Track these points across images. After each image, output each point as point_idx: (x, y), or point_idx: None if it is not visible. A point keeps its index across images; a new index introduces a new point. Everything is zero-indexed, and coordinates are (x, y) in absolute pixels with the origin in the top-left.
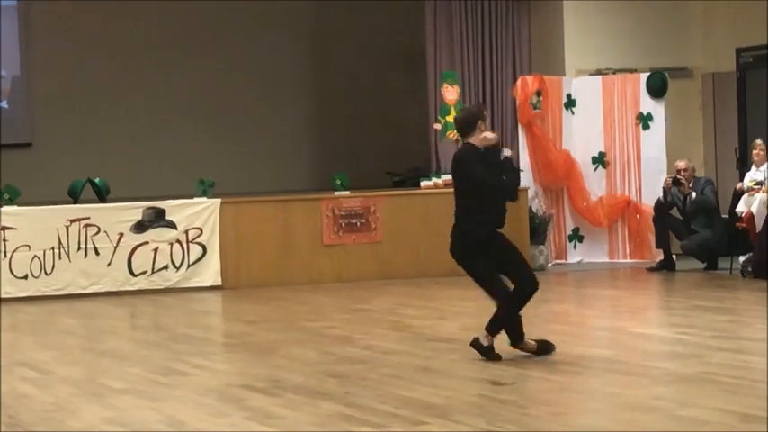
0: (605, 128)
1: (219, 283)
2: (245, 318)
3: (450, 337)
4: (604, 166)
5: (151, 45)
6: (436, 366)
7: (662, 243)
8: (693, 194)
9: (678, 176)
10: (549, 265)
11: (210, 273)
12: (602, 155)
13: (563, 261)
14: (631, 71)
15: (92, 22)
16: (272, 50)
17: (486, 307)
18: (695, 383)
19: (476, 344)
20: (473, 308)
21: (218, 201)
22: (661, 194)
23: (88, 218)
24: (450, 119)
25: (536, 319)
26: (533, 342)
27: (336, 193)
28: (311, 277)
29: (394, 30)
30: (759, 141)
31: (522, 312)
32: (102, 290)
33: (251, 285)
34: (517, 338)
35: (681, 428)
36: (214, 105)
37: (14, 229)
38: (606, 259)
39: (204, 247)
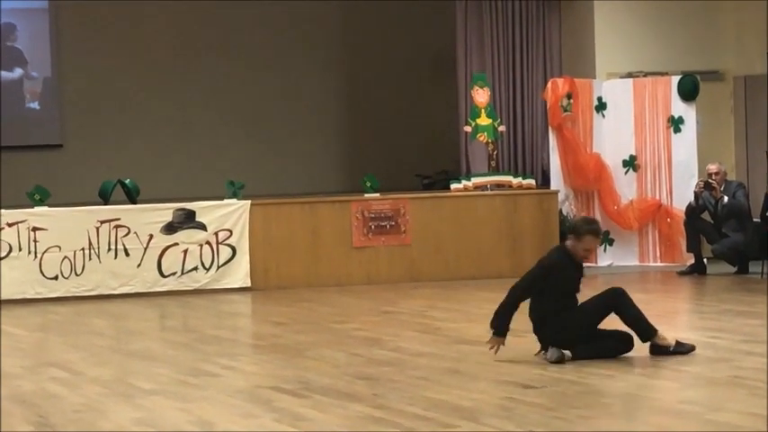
0: (636, 131)
1: (249, 284)
2: (274, 319)
3: (479, 339)
4: (635, 170)
5: (181, 46)
6: (465, 369)
7: (693, 247)
8: (725, 198)
9: (710, 180)
10: None
11: (240, 274)
12: (632, 158)
13: (593, 264)
14: (662, 74)
15: (122, 24)
16: (303, 52)
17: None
18: (725, 388)
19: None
20: None
21: (248, 202)
22: (692, 198)
23: (118, 219)
24: (481, 121)
25: None
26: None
27: (366, 195)
28: (340, 279)
29: (424, 32)
30: None
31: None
32: (132, 291)
33: (280, 287)
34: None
35: None
36: (244, 107)
37: (45, 229)
38: (636, 263)
39: (234, 249)
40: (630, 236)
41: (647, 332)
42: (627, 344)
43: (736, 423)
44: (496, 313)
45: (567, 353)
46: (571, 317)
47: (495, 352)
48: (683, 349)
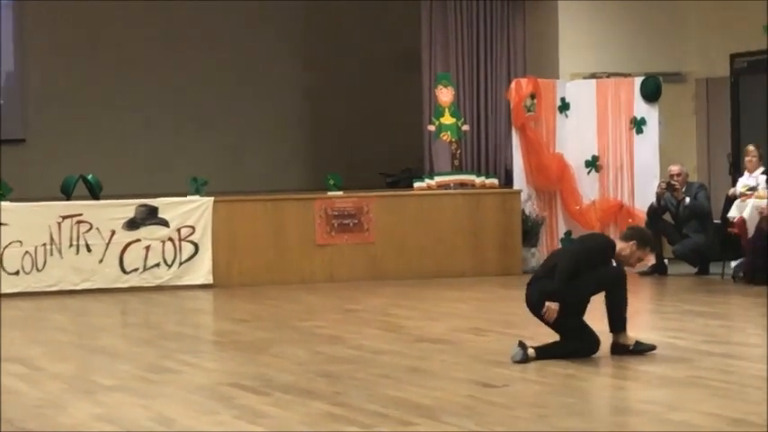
0: (599, 132)
1: (211, 281)
2: (236, 316)
3: (441, 337)
4: (597, 170)
5: (145, 43)
6: (426, 367)
7: (654, 247)
8: (687, 200)
9: (672, 181)
10: None
11: (202, 271)
12: (595, 158)
13: None
14: (625, 75)
15: (86, 19)
16: (267, 49)
17: (476, 308)
18: (685, 388)
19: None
20: (463, 309)
21: (211, 199)
22: (654, 199)
23: (80, 214)
24: (444, 120)
25: (526, 322)
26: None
27: (329, 193)
28: (303, 277)
29: (389, 31)
30: (752, 147)
31: (520, 313)
32: (94, 287)
33: (242, 284)
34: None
35: None
36: (208, 104)
37: (6, 225)
38: None
39: (196, 246)
40: None
41: (619, 324)
42: (592, 347)
43: (695, 423)
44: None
45: (531, 352)
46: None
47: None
48: (643, 348)
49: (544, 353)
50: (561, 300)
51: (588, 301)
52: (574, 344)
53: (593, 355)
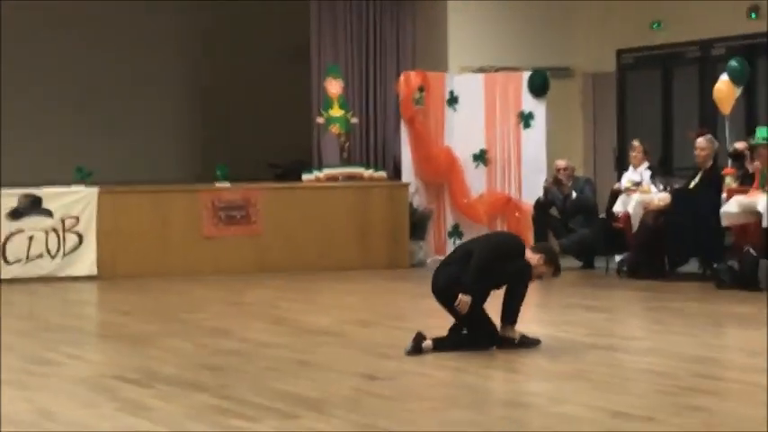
0: (487, 125)
1: (95, 273)
2: (121, 308)
3: (328, 330)
4: (485, 164)
5: (32, 30)
6: (312, 360)
7: (540, 241)
8: (574, 194)
9: (559, 176)
10: (429, 260)
11: (86, 262)
12: (483, 152)
13: (442, 257)
14: (514, 69)
15: None
16: (155, 39)
17: (363, 300)
18: (569, 380)
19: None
20: (350, 302)
21: (96, 190)
22: (541, 193)
23: None
24: (333, 112)
25: (414, 314)
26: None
27: (217, 184)
28: (189, 269)
29: (278, 21)
30: (636, 143)
31: (407, 305)
32: None
33: (127, 276)
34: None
35: (554, 425)
36: (96, 93)
37: None
38: None
39: (81, 237)
40: (480, 229)
41: (512, 317)
42: (492, 338)
43: (579, 415)
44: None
45: (429, 343)
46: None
47: None
48: (528, 342)
49: (443, 345)
50: (473, 292)
51: (489, 293)
52: (475, 335)
53: (487, 346)
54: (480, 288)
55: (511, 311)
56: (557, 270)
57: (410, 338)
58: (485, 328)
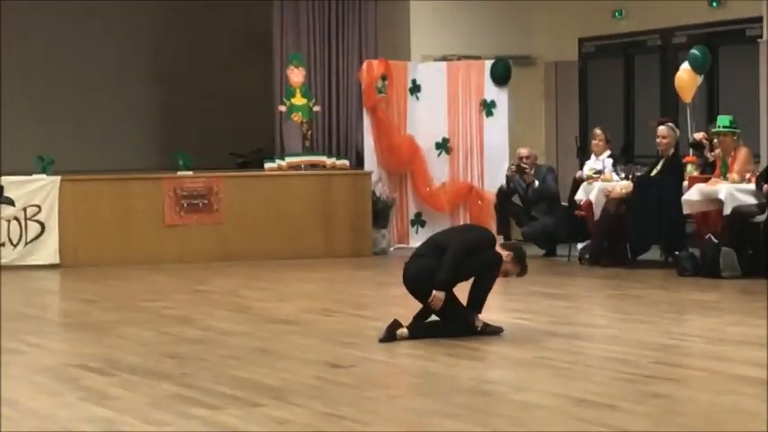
0: (449, 114)
1: (58, 261)
2: (83, 297)
3: (290, 318)
4: (448, 152)
5: None
6: (275, 348)
7: (503, 229)
8: (536, 182)
9: (522, 164)
10: (392, 249)
11: (49, 251)
12: (445, 141)
13: (405, 245)
14: (476, 58)
15: None
16: (116, 27)
17: (326, 289)
18: (531, 368)
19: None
20: (313, 290)
21: (58, 178)
22: (504, 181)
23: None
24: (296, 101)
25: (377, 303)
26: None
27: (179, 173)
28: (152, 257)
29: (240, 9)
30: (599, 131)
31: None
32: None
33: (90, 264)
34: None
35: (516, 412)
36: (56, 81)
37: None
38: None
39: (43, 225)
40: (442, 218)
41: (478, 306)
42: (468, 328)
43: (542, 403)
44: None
45: (404, 331)
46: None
47: None
48: (490, 331)
49: (419, 332)
50: (447, 289)
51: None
52: (453, 325)
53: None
54: (456, 280)
55: (478, 300)
56: (523, 270)
57: (376, 326)
58: (461, 317)
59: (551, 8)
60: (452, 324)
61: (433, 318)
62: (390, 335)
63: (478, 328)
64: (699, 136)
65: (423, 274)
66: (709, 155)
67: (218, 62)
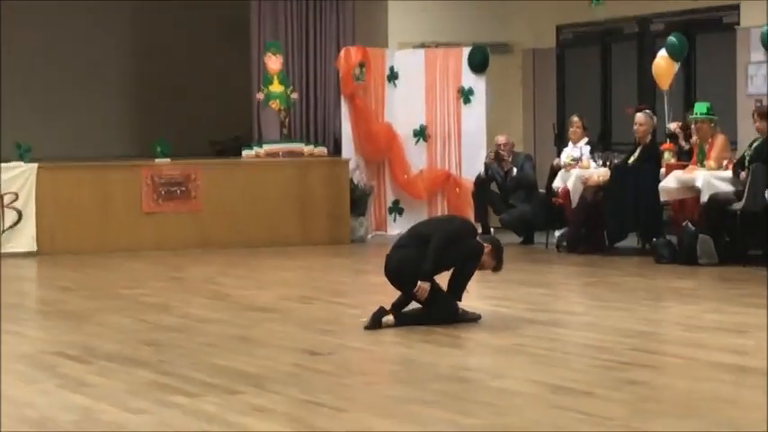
0: (427, 101)
1: (35, 249)
2: (61, 284)
3: (268, 306)
4: (425, 140)
5: None
6: (253, 336)
7: (480, 217)
8: (515, 171)
9: (500, 152)
10: (369, 236)
11: (26, 238)
12: (423, 128)
13: (383, 233)
14: (454, 45)
15: None
16: (93, 14)
17: (303, 276)
18: (509, 355)
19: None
20: (291, 278)
21: (36, 165)
22: (482, 169)
23: None
24: (273, 88)
25: (354, 291)
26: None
27: (157, 160)
28: (129, 245)
29: None
30: (576, 118)
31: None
32: None
33: (67, 252)
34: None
35: (494, 399)
36: (34, 69)
37: None
38: None
39: (20, 213)
40: (420, 205)
41: (458, 294)
42: (450, 312)
43: (519, 390)
44: None
45: (390, 318)
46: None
47: None
48: (468, 318)
49: (405, 320)
50: (431, 279)
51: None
52: (437, 311)
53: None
54: (439, 270)
55: (457, 289)
56: (499, 264)
57: (354, 313)
58: (443, 302)
59: None
60: (436, 311)
61: (414, 305)
62: (376, 322)
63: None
64: (673, 126)
65: (406, 264)
66: (683, 143)
67: (197, 49)
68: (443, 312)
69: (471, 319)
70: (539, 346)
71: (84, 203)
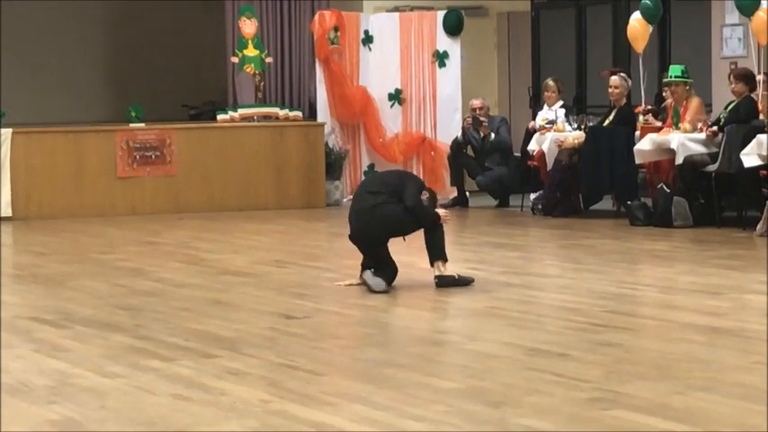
0: (402, 65)
1: (10, 213)
2: (35, 249)
3: (243, 270)
4: (400, 103)
5: None
6: (228, 300)
7: (456, 180)
8: (493, 135)
9: (478, 116)
10: (345, 200)
11: (1, 204)
12: (398, 92)
13: None
14: (428, 9)
15: None
16: None
17: (278, 241)
18: (484, 318)
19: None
20: (266, 242)
21: (10, 131)
22: (459, 133)
23: None
24: (248, 52)
25: (330, 255)
26: None
27: (131, 125)
28: (104, 210)
29: None
30: (551, 81)
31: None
32: None
33: (42, 217)
34: None
35: (469, 361)
36: (8, 34)
37: None
38: None
39: None
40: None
41: (440, 254)
42: (394, 276)
43: (493, 352)
44: None
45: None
46: (391, 210)
47: None
48: (462, 281)
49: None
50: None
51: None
52: (385, 272)
53: (394, 286)
54: (386, 235)
55: (438, 248)
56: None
57: (329, 277)
58: (391, 266)
59: None
60: (385, 272)
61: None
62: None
63: (456, 277)
64: (640, 108)
65: (391, 219)
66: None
67: (171, 13)
68: (392, 274)
69: (465, 282)
70: (514, 308)
71: (59, 168)
